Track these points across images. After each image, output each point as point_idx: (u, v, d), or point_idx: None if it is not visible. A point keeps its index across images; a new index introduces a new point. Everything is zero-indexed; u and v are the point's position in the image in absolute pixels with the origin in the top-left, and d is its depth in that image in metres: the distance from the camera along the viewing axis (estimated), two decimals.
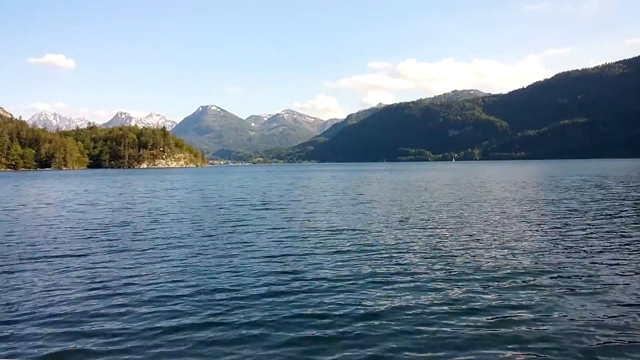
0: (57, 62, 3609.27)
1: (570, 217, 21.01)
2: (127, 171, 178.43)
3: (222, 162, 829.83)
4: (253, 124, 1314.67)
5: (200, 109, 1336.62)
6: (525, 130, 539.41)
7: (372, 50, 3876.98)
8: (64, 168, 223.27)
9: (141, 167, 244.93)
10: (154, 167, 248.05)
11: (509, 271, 11.43)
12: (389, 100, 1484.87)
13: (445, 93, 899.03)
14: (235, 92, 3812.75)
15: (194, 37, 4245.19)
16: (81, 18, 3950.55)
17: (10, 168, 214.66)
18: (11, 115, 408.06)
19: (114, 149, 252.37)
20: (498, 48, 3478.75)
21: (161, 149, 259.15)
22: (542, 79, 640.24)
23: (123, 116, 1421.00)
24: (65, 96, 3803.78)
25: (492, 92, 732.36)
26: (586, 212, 22.87)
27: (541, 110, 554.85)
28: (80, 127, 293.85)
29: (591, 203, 27.15)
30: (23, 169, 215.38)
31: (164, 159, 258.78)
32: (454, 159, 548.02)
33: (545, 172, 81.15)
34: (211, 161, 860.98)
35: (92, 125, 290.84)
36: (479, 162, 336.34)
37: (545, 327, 7.84)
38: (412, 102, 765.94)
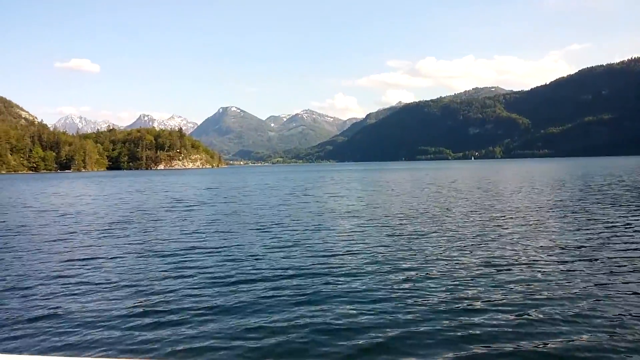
0: (83, 66, 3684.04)
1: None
2: (145, 172, 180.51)
3: (241, 163, 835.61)
4: (272, 125, 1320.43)
5: (221, 110, 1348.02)
6: (547, 127, 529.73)
7: (390, 48, 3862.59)
8: (83, 170, 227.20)
9: (158, 168, 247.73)
10: (170, 168, 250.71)
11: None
12: (409, 98, 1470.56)
13: (465, 91, 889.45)
14: (255, 92, 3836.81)
15: (214, 39, 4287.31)
16: (106, 23, 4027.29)
17: (32, 170, 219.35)
18: (35, 118, 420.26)
19: (132, 150, 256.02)
20: (519, 44, 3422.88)
21: (178, 150, 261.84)
22: (565, 75, 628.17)
23: (146, 118, 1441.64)
24: (90, 99, 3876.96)
25: (514, 89, 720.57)
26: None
27: (564, 106, 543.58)
28: (102, 130, 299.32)
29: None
30: (44, 171, 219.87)
31: (180, 160, 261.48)
32: (473, 158, 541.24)
33: (579, 172, 75.97)
34: (230, 162, 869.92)
35: (111, 127, 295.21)
36: (500, 161, 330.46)
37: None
38: (432, 101, 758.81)
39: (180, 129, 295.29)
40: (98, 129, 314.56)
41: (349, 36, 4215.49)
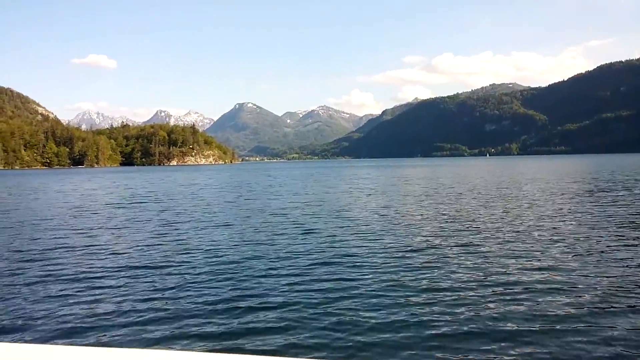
0: (100, 62, 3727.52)
1: None
2: (157, 168, 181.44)
3: (257, 159, 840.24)
4: (288, 121, 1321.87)
5: (237, 106, 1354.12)
6: (565, 124, 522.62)
7: (407, 44, 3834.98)
8: (96, 165, 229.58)
9: (171, 164, 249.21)
10: (183, 164, 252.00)
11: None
12: (425, 95, 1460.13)
13: (482, 87, 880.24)
14: (271, 89, 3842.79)
15: (230, 35, 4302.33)
16: (122, 19, 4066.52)
17: (45, 166, 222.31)
18: (52, 114, 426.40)
19: (145, 146, 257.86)
20: (538, 40, 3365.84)
21: (190, 147, 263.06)
22: (583, 71, 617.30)
23: (162, 114, 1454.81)
24: (108, 95, 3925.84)
25: (532, 86, 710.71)
26: None
27: (582, 103, 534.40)
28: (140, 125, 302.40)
29: None
30: (57, 166, 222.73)
31: (193, 156, 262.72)
32: (488, 154, 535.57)
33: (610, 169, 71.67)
34: (246, 158, 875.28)
35: (127, 123, 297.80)
36: (515, 158, 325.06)
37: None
38: (448, 97, 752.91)
39: (194, 125, 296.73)
40: (114, 125, 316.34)
41: (365, 32, 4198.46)
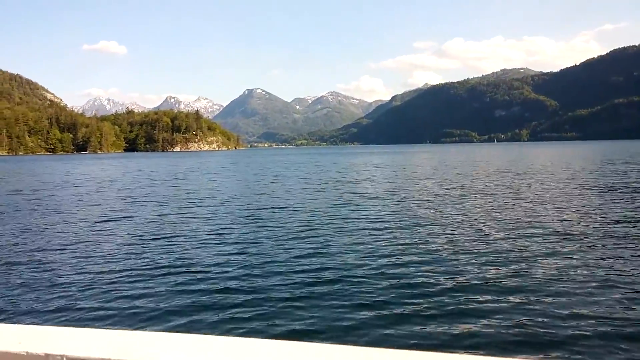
0: (110, 48, 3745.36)
1: None
2: (159, 154, 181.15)
3: (265, 145, 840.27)
4: (298, 107, 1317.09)
5: (246, 92, 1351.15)
6: (576, 109, 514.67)
7: (417, 29, 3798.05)
8: (99, 152, 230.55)
9: (174, 150, 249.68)
10: (186, 150, 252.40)
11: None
12: (436, 80, 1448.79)
13: (493, 72, 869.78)
14: (280, 75, 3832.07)
15: (239, 22, 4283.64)
16: (132, 5, 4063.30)
17: (49, 152, 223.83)
18: (61, 100, 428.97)
19: (149, 132, 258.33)
20: (550, 24, 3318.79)
21: (194, 133, 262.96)
22: (595, 56, 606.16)
23: (172, 100, 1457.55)
24: (118, 81, 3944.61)
25: (544, 71, 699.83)
26: None
27: (594, 88, 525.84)
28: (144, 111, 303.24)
29: None
30: (61, 152, 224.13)
31: (196, 143, 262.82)
32: (496, 140, 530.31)
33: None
34: (255, 144, 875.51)
35: (138, 109, 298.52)
36: (525, 144, 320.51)
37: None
38: (458, 82, 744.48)
39: (197, 111, 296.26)
40: (116, 111, 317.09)
41: (375, 17, 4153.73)
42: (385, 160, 78.34)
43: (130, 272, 9.86)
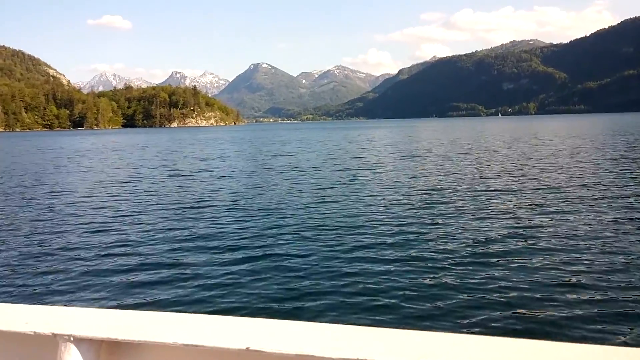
0: (114, 23, 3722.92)
1: None
2: (154, 130, 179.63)
3: (270, 120, 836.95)
4: (304, 81, 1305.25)
5: (252, 66, 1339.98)
6: (585, 82, 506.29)
7: (424, 1, 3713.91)
8: (95, 128, 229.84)
9: (172, 126, 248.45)
10: (184, 125, 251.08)
11: None
12: (444, 53, 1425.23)
13: (502, 44, 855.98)
14: (286, 48, 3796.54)
15: None
16: None
17: (46, 128, 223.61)
18: (64, 76, 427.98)
19: (147, 108, 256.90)
20: None
21: (191, 108, 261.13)
22: (606, 27, 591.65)
23: (178, 75, 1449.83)
24: (124, 56, 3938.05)
25: (554, 42, 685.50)
26: None
27: (604, 60, 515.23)
28: (138, 87, 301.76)
29: None
30: (58, 129, 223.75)
31: (193, 118, 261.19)
32: (500, 114, 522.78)
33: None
34: (260, 119, 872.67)
35: (128, 85, 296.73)
36: (530, 117, 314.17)
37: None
38: (466, 55, 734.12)
39: (195, 86, 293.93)
40: (116, 87, 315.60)
41: None
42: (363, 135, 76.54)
43: (140, 251, 9.64)
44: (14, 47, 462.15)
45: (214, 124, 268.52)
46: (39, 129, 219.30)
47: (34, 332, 1.66)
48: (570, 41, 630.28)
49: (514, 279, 7.23)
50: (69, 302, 7.03)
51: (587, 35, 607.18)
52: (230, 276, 7.82)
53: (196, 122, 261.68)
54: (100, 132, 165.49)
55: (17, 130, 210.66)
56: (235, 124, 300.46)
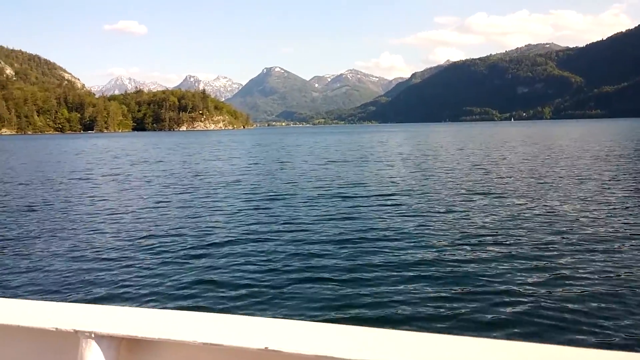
0: (130, 28, 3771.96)
1: None
2: (163, 134, 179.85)
3: (283, 124, 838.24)
4: (316, 85, 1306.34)
5: (265, 70, 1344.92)
6: (602, 86, 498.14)
7: (438, 4, 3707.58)
8: (105, 131, 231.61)
9: (180, 129, 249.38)
10: (192, 129, 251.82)
11: None
12: (458, 56, 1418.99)
13: (517, 48, 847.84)
14: (299, 52, 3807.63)
15: (259, 1, 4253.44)
16: None
17: (58, 131, 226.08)
18: (78, 80, 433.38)
19: (156, 112, 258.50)
20: None
21: (200, 112, 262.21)
22: (623, 30, 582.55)
23: (192, 79, 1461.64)
24: (139, 61, 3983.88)
25: (571, 46, 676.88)
26: None
27: (621, 64, 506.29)
28: (151, 90, 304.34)
29: None
30: (69, 132, 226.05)
31: (202, 122, 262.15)
32: (512, 119, 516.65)
33: None
34: (273, 123, 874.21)
35: (139, 89, 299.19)
36: (545, 122, 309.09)
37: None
38: (479, 59, 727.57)
39: (204, 90, 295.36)
40: (127, 90, 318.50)
41: None
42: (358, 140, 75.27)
43: (162, 250, 9.70)
44: (31, 51, 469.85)
45: (223, 128, 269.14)
46: (50, 132, 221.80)
47: (56, 329, 1.69)
48: (587, 45, 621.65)
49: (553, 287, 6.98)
50: (90, 300, 7.10)
51: (604, 38, 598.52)
52: (257, 277, 7.76)
53: (205, 126, 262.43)
54: (104, 135, 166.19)
55: (29, 133, 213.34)
56: (244, 127, 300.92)
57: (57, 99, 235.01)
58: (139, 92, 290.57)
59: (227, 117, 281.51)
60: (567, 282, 7.21)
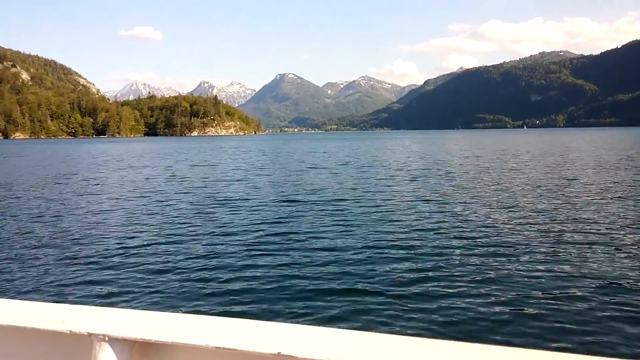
0: (146, 34, 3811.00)
1: None
2: (173, 139, 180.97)
3: (295, 130, 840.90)
4: (329, 91, 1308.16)
5: (278, 77, 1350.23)
6: (616, 94, 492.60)
7: (452, 11, 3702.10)
8: (117, 136, 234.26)
9: (192, 135, 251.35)
10: (203, 134, 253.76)
11: None
12: (471, 64, 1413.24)
13: (531, 55, 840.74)
14: (312, 59, 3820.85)
15: (272, 5, 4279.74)
16: None
17: (71, 135, 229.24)
18: (93, 85, 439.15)
19: (168, 117, 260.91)
20: (593, 4, 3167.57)
21: (212, 118, 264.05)
22: (639, 37, 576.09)
23: (206, 85, 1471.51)
24: (154, 66, 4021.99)
25: (585, 54, 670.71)
26: None
27: (636, 72, 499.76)
28: (164, 96, 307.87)
29: None
30: (82, 136, 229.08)
31: (213, 127, 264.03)
32: (525, 127, 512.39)
33: None
34: (285, 129, 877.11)
35: (152, 94, 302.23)
36: (558, 130, 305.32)
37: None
38: (493, 66, 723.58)
39: (216, 96, 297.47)
40: (141, 95, 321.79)
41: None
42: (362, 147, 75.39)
43: (177, 254, 9.87)
44: (47, 56, 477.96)
45: (234, 134, 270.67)
46: (63, 137, 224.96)
47: (70, 331, 1.70)
48: (601, 52, 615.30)
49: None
50: (104, 303, 7.16)
51: (619, 46, 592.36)
52: (275, 280, 7.88)
53: (216, 132, 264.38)
54: (113, 140, 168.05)
55: (42, 137, 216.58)
56: (255, 133, 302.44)
57: (70, 103, 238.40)
58: (151, 97, 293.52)
59: (238, 122, 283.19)
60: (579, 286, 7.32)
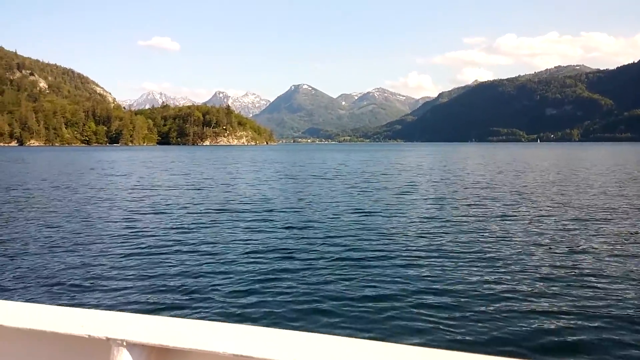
0: (163, 44, 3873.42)
1: None
2: (184, 148, 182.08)
3: (308, 141, 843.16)
4: (343, 103, 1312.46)
5: (293, 87, 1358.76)
6: (633, 109, 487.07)
7: (467, 24, 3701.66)
8: (130, 144, 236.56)
9: (204, 144, 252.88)
10: (216, 144, 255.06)
11: None
12: (486, 77, 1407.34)
13: (547, 69, 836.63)
14: (327, 70, 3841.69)
15: (288, 17, 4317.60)
16: (185, 2, 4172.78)
17: (84, 143, 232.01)
18: (110, 93, 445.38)
19: (181, 126, 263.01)
20: (609, 19, 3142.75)
21: (224, 127, 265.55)
22: None
23: (221, 95, 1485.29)
24: (171, 76, 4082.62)
25: (602, 68, 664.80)
26: None
27: None
28: (177, 105, 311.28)
29: None
30: (95, 144, 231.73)
31: (225, 137, 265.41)
32: (539, 140, 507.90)
33: None
34: (298, 139, 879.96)
35: (165, 104, 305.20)
36: (572, 145, 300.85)
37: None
38: (507, 79, 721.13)
39: (228, 106, 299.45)
40: (153, 105, 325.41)
41: (424, 12, 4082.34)
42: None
43: (197, 261, 9.89)
44: (66, 65, 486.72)
45: (246, 143, 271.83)
46: (77, 144, 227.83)
47: (89, 336, 1.72)
48: (617, 67, 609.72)
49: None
50: (122, 308, 7.24)
51: (635, 61, 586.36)
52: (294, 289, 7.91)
53: (227, 141, 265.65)
54: (125, 149, 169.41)
55: (57, 145, 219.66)
56: (267, 143, 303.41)
57: (85, 112, 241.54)
58: (165, 106, 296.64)
59: (250, 132, 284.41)
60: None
